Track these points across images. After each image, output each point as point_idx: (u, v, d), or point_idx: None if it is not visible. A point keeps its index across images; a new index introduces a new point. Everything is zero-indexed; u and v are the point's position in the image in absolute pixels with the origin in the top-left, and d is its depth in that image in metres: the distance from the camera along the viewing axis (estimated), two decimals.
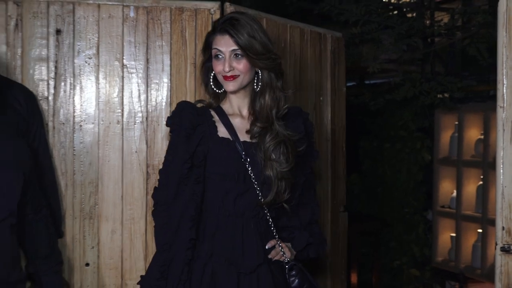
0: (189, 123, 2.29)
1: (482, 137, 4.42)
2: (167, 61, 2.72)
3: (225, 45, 2.28)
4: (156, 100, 2.72)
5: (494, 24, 2.60)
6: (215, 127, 2.32)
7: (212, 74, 2.37)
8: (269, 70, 2.32)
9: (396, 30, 4.63)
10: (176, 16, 2.73)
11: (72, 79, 2.67)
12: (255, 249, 2.31)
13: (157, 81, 2.72)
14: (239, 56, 2.28)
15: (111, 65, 2.70)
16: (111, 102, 2.69)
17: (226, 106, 2.39)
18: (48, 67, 2.65)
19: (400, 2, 4.82)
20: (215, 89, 2.38)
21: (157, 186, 2.37)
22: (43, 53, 2.65)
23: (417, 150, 5.01)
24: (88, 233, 2.66)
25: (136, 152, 2.69)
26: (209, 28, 2.71)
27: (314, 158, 2.50)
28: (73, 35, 2.67)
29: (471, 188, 4.55)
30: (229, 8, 2.73)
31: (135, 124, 2.70)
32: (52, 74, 2.66)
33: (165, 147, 2.69)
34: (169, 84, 2.72)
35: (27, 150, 2.24)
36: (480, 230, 4.36)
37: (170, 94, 2.72)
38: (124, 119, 2.69)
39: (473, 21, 4.52)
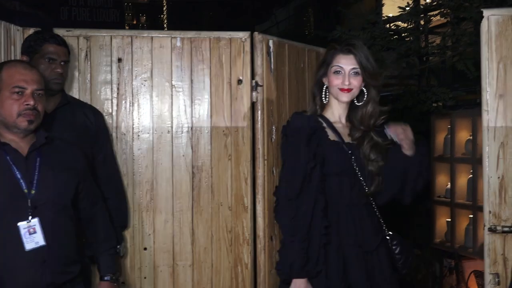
0: (308, 129, 2.26)
1: (471, 137, 4.31)
2: (207, 81, 2.72)
3: (346, 63, 2.28)
4: (199, 113, 2.71)
5: (478, 43, 2.55)
6: (326, 132, 2.30)
7: (325, 88, 2.34)
8: (374, 87, 2.32)
9: (396, 51, 4.57)
10: (214, 44, 2.72)
11: (131, 98, 2.68)
12: (372, 232, 2.30)
13: (200, 98, 2.71)
14: (356, 73, 2.28)
15: (162, 85, 2.70)
16: (162, 115, 2.69)
17: (328, 114, 2.36)
18: (111, 89, 2.67)
19: (400, 27, 4.74)
20: (323, 99, 2.36)
21: (278, 185, 2.33)
22: (107, 77, 2.67)
23: None
24: (146, 223, 2.66)
25: (183, 156, 2.69)
26: (242, 53, 2.71)
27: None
28: (131, 62, 2.68)
29: (462, 180, 4.44)
30: (257, 36, 2.71)
31: (182, 133, 2.70)
32: (115, 94, 2.67)
33: (207, 152, 2.69)
34: (209, 100, 2.71)
35: (83, 158, 2.25)
36: (471, 216, 4.25)
37: (210, 108, 2.71)
38: (173, 129, 2.69)
39: (461, 41, 4.43)
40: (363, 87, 2.32)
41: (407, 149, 2.30)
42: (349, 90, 2.29)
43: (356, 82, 2.29)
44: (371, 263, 2.26)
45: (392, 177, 2.33)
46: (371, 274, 2.25)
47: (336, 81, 2.29)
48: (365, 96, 2.32)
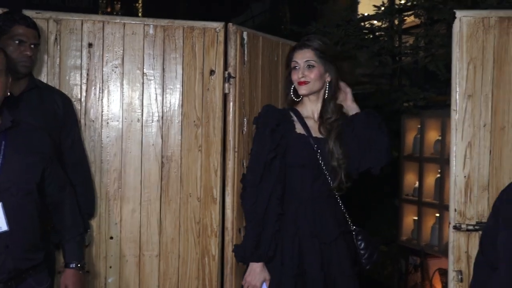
0: (273, 121, 2.34)
1: (440, 138, 4.39)
2: (179, 70, 2.70)
3: (301, 57, 2.40)
4: (170, 102, 2.69)
5: (450, 45, 2.59)
6: (293, 125, 2.38)
7: (292, 86, 2.44)
8: (335, 80, 2.40)
9: (370, 49, 4.62)
10: (187, 33, 2.70)
11: (101, 84, 2.65)
12: (332, 224, 2.35)
13: (171, 87, 2.69)
14: (311, 66, 2.38)
15: (133, 73, 2.67)
16: (133, 103, 2.66)
17: (301, 109, 2.45)
18: (81, 74, 2.63)
19: (374, 26, 4.79)
20: (294, 98, 2.46)
21: (244, 172, 2.41)
22: (77, 62, 2.62)
23: None
24: (112, 212, 2.63)
25: (153, 145, 2.67)
26: (216, 44, 2.70)
27: None
28: (102, 48, 2.64)
29: (430, 180, 4.51)
30: (231, 27, 2.70)
31: (152, 122, 2.67)
32: (84, 80, 2.63)
33: (177, 142, 2.67)
34: (181, 89, 2.69)
35: (50, 142, 2.21)
36: (437, 215, 4.33)
37: (182, 98, 2.69)
38: (144, 118, 2.67)
39: (433, 42, 4.50)
40: (328, 83, 2.39)
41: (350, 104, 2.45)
42: (305, 82, 2.39)
43: (311, 75, 2.38)
44: (329, 254, 2.33)
45: (357, 145, 2.39)
46: (326, 265, 2.30)
47: (294, 76, 2.42)
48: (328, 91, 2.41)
